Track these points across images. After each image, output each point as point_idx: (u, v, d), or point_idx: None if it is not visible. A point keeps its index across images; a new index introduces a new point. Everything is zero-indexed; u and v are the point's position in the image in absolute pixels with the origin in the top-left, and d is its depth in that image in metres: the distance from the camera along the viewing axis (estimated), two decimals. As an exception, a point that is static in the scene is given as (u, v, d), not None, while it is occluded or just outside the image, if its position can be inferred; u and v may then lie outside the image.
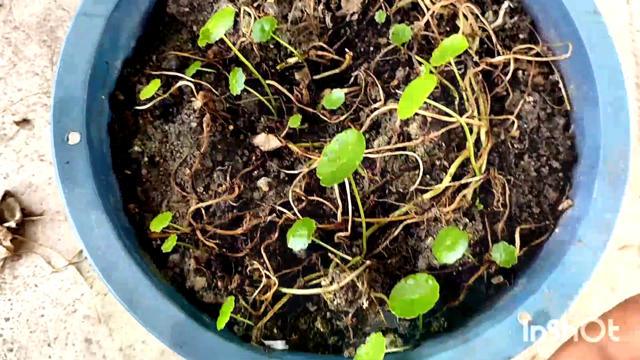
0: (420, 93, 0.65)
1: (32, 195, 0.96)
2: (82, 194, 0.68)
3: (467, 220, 0.73)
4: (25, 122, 0.98)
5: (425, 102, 0.65)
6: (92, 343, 0.92)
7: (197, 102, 0.72)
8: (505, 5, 0.82)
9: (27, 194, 0.96)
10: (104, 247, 0.66)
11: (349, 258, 0.71)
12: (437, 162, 0.74)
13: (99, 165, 0.71)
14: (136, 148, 0.75)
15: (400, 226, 0.73)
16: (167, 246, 0.67)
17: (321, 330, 0.71)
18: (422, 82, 0.66)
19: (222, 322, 0.65)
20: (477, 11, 0.80)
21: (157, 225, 0.68)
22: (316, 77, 0.81)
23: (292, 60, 0.80)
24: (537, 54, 0.81)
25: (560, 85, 0.81)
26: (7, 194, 0.94)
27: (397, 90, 0.79)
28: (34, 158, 0.97)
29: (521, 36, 0.83)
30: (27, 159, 0.97)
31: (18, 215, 0.93)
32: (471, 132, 0.75)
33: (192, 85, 0.74)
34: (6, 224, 0.92)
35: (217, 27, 0.68)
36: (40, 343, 0.92)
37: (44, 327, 0.92)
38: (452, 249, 0.66)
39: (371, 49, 0.82)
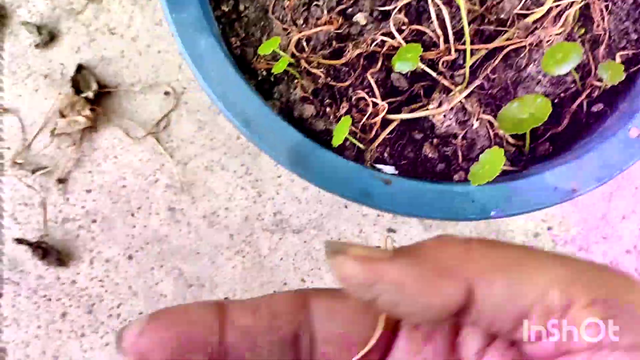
0: None
1: (105, 68, 0.95)
2: (189, 18, 0.67)
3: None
4: (93, -5, 0.97)
5: None
6: (175, 211, 0.92)
7: None
8: None
9: (101, 67, 0.95)
10: (215, 70, 0.66)
11: (452, 87, 0.71)
12: (538, -13, 0.74)
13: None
14: (232, -18, 0.74)
15: (502, 53, 0.72)
16: (279, 66, 0.67)
17: (429, 156, 0.71)
18: None
19: (339, 138, 0.65)
20: None
21: (266, 48, 0.67)
22: None
23: None
24: None
25: None
26: (81, 67, 0.93)
27: None
28: (104, 32, 0.96)
29: None
30: (97, 33, 0.96)
31: (94, 86, 0.92)
32: (568, -41, 0.74)
33: None
34: (83, 95, 0.91)
35: None
36: (124, 213, 0.92)
37: (126, 197, 0.92)
38: (564, 60, 0.66)
39: None
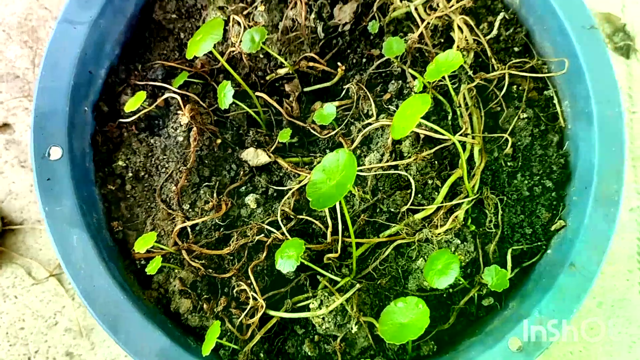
0: (414, 113, 0.63)
1: (12, 203, 0.93)
2: (64, 211, 0.65)
3: (458, 241, 0.71)
4: (5, 126, 0.95)
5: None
6: (73, 357, 0.90)
7: (184, 117, 0.69)
8: (500, 16, 0.80)
9: (7, 201, 0.93)
10: (85, 269, 0.64)
11: (338, 279, 0.69)
12: (430, 181, 0.73)
13: (82, 180, 0.69)
14: (120, 163, 0.72)
15: (391, 246, 0.71)
16: (152, 268, 0.65)
17: (309, 354, 0.69)
18: (416, 102, 0.64)
19: (207, 348, 0.63)
20: (471, 22, 0.78)
21: (141, 245, 0.65)
22: (307, 89, 0.79)
23: (282, 71, 0.78)
24: (532, 69, 0.79)
25: (555, 101, 0.79)
26: (-14, 202, 0.91)
27: (389, 105, 0.77)
28: (14, 164, 0.94)
29: (516, 49, 0.81)
30: (7, 166, 0.94)
31: (-3, 223, 0.90)
32: (464, 149, 0.74)
33: (178, 97, 0.72)
34: (-15, 233, 0.89)
35: (205, 40, 0.65)
36: (20, 357, 0.90)
37: (24, 340, 0.90)
38: (443, 274, 0.65)
39: (363, 60, 0.80)
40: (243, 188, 0.75)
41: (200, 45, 0.66)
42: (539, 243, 0.75)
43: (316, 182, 0.63)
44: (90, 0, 0.71)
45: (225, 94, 0.70)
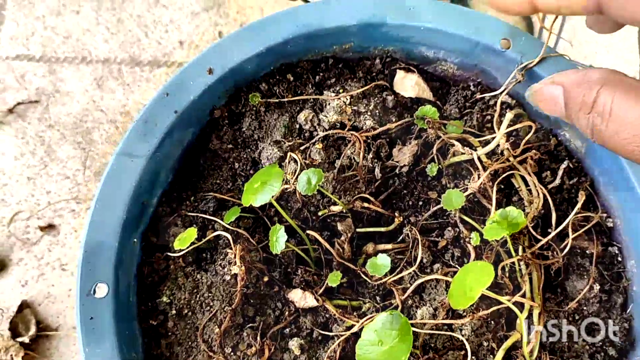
0: (476, 285, 0.60)
1: (49, 307, 0.92)
2: (104, 354, 0.63)
3: (513, 413, 0.67)
4: (50, 227, 0.95)
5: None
6: None
7: (235, 267, 0.67)
8: (564, 164, 0.77)
9: (45, 304, 0.92)
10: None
11: None
12: (485, 343, 0.69)
13: (124, 316, 0.67)
14: (164, 299, 0.71)
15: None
16: None
17: None
18: (478, 272, 0.61)
19: None
20: (534, 170, 0.76)
21: (179, 398, 0.63)
22: (360, 229, 0.77)
23: (335, 209, 0.76)
24: (597, 224, 0.75)
25: (619, 258, 0.75)
26: (24, 305, 0.90)
27: (445, 253, 0.74)
28: (55, 267, 0.93)
29: (579, 199, 0.78)
30: (48, 267, 0.93)
31: (33, 329, 0.89)
32: (522, 309, 0.70)
33: (228, 236, 0.70)
34: (19, 339, 0.88)
35: (262, 191, 0.64)
36: None
37: None
38: None
39: (420, 203, 0.78)
40: (287, 330, 0.72)
41: (257, 196, 0.64)
42: (600, 418, 0.70)
43: (367, 344, 0.61)
44: (149, 133, 0.70)
45: (278, 239, 0.68)
